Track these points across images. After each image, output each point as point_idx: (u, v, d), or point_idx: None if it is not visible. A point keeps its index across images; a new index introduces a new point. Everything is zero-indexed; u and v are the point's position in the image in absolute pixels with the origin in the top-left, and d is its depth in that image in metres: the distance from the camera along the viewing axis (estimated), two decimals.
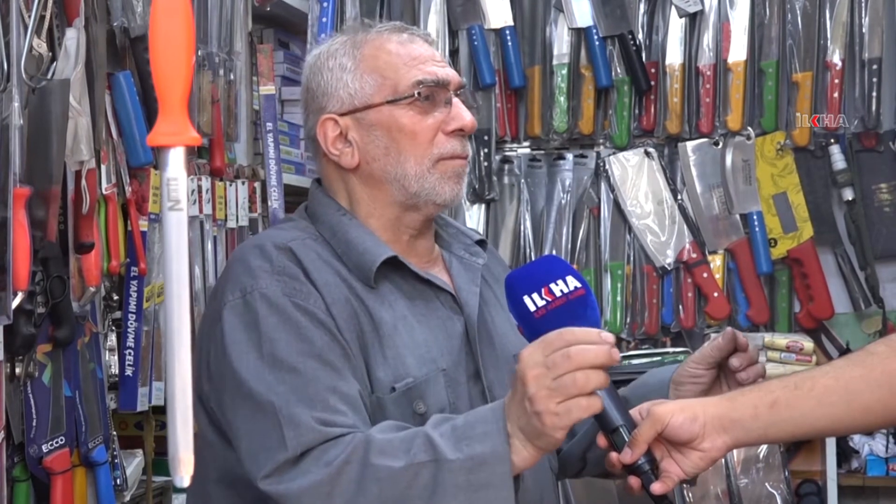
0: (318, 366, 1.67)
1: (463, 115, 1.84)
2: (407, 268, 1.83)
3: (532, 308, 1.69)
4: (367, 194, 1.86)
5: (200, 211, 3.03)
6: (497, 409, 1.60)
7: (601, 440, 1.69)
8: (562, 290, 1.70)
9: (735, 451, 3.52)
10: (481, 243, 1.99)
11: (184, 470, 1.03)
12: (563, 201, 3.92)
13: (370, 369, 1.74)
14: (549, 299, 1.69)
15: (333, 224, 1.84)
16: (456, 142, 1.84)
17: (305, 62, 1.93)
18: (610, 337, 1.57)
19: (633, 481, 1.65)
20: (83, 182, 2.32)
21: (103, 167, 2.47)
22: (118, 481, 2.60)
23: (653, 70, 3.92)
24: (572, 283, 1.70)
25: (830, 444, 3.67)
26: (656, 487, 1.63)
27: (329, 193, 1.89)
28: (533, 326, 1.70)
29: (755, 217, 3.90)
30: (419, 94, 1.82)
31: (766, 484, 3.55)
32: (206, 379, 1.77)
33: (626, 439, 1.64)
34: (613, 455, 1.65)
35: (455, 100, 1.86)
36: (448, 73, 1.86)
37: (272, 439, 1.65)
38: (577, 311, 1.69)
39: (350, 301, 1.76)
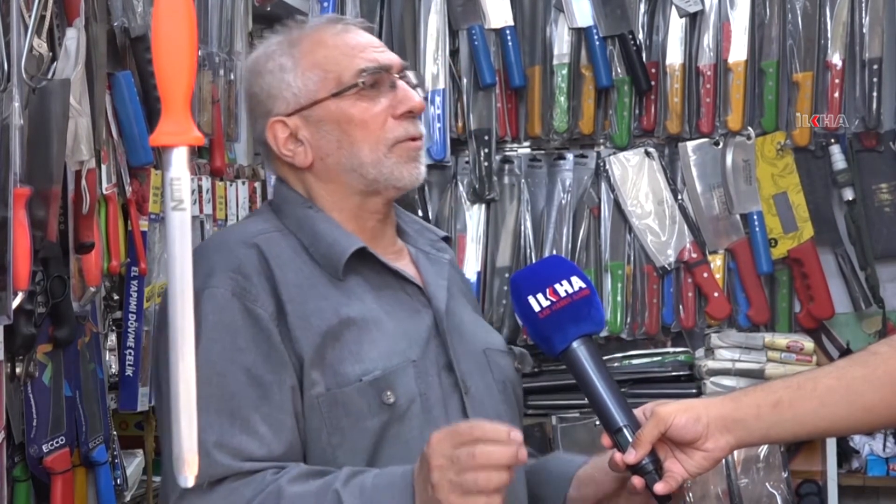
0: (246, 380, 1.67)
1: (411, 96, 1.83)
2: (374, 260, 1.82)
3: (537, 308, 1.69)
4: (326, 189, 1.84)
5: (201, 211, 3.03)
6: (406, 477, 1.60)
7: (605, 440, 1.69)
8: (566, 291, 1.69)
9: (735, 451, 3.51)
10: (446, 240, 1.99)
11: (188, 470, 1.03)
12: (564, 201, 3.92)
13: (336, 365, 1.73)
14: (554, 299, 1.69)
15: (300, 217, 1.83)
16: (408, 123, 1.83)
17: (244, 68, 1.92)
18: (518, 436, 1.56)
19: (637, 481, 1.65)
20: (83, 182, 2.31)
21: (103, 167, 2.46)
22: (118, 481, 2.60)
23: (653, 70, 3.92)
24: (577, 283, 1.70)
25: (831, 444, 3.67)
26: (659, 487, 1.63)
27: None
28: (537, 327, 1.70)
29: (755, 217, 3.90)
30: (363, 82, 1.81)
31: (767, 484, 3.55)
32: (157, 369, 1.80)
33: (630, 439, 1.65)
34: (617, 455, 1.65)
35: (400, 82, 1.84)
36: (389, 57, 1.85)
37: None
38: (582, 311, 1.69)
39: (312, 300, 1.75)
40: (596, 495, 1.84)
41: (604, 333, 3.89)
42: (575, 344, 1.68)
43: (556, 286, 1.69)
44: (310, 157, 1.83)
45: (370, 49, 1.85)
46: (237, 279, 1.72)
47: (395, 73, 1.84)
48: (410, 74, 1.88)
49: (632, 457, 1.64)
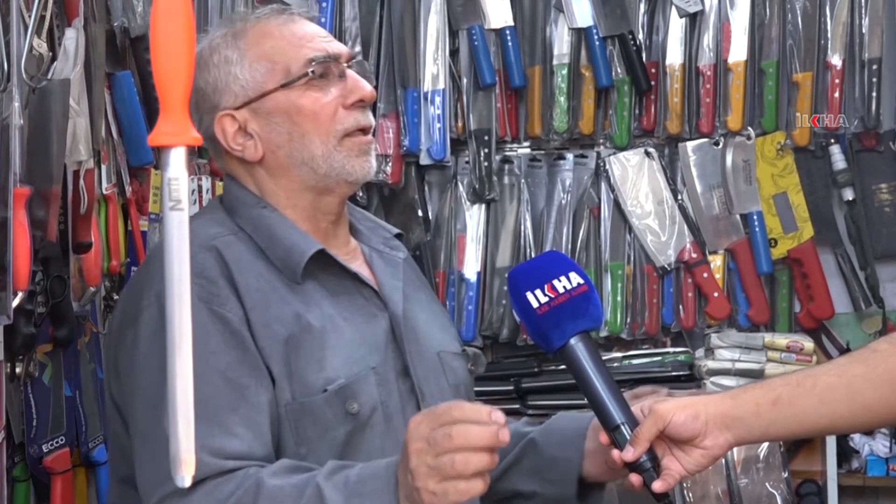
0: (221, 383, 1.63)
1: (361, 85, 1.80)
2: (331, 263, 1.78)
3: (535, 304, 1.68)
4: (277, 185, 1.81)
5: None
6: (390, 468, 1.56)
7: (603, 437, 1.68)
8: (564, 287, 1.69)
9: (735, 451, 3.52)
10: (399, 237, 1.97)
11: (185, 470, 1.03)
12: (564, 201, 3.92)
13: (300, 373, 1.69)
14: (552, 296, 1.68)
15: (254, 217, 1.79)
16: (358, 113, 1.80)
17: None
18: (500, 417, 1.49)
19: (635, 479, 1.64)
20: (81, 182, 2.32)
21: (103, 167, 2.47)
22: None
23: (653, 70, 3.91)
24: (575, 279, 1.69)
25: (831, 444, 3.67)
26: (657, 486, 1.63)
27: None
28: (536, 323, 1.69)
29: (755, 217, 3.90)
30: (313, 72, 1.78)
31: (767, 484, 3.55)
32: (115, 379, 1.75)
33: (628, 437, 1.64)
34: (615, 453, 1.65)
35: (349, 72, 1.81)
36: (337, 46, 1.82)
37: (162, 467, 1.60)
38: (580, 307, 1.68)
39: (273, 306, 1.71)
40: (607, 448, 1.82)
41: (604, 333, 3.89)
42: (573, 341, 1.68)
43: (555, 282, 1.68)
44: (260, 151, 1.79)
45: (318, 39, 1.81)
46: (202, 283, 1.66)
47: (343, 63, 1.81)
48: (361, 64, 1.86)
49: (629, 454, 1.63)
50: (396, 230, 1.98)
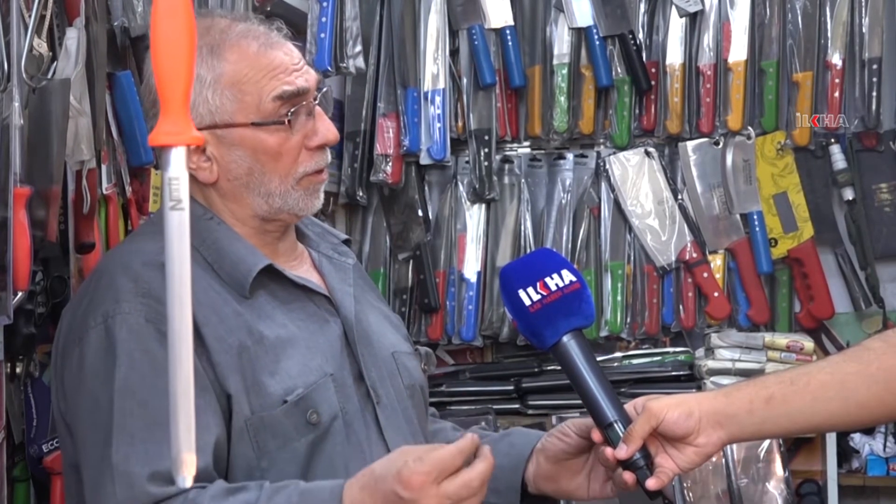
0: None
1: (326, 129, 1.80)
2: (280, 274, 1.79)
3: (527, 302, 1.68)
4: (227, 208, 1.81)
5: None
6: (335, 494, 1.58)
7: (595, 435, 1.69)
8: (557, 284, 1.69)
9: (735, 451, 3.52)
10: (347, 243, 1.97)
11: (186, 471, 1.03)
12: (564, 201, 3.92)
13: (258, 386, 1.69)
14: (545, 293, 1.68)
15: (201, 230, 1.77)
16: (319, 156, 1.80)
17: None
18: (477, 440, 1.60)
19: (628, 477, 1.65)
20: (84, 182, 2.32)
21: (104, 167, 2.46)
22: None
23: (653, 70, 3.91)
24: (567, 276, 1.70)
25: (831, 444, 3.67)
26: (651, 483, 1.63)
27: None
28: (528, 321, 1.69)
29: (755, 217, 3.90)
30: (288, 121, 1.76)
31: (767, 484, 3.55)
32: (62, 398, 1.74)
33: (621, 434, 1.65)
34: (608, 450, 1.65)
35: (318, 110, 1.81)
36: (308, 79, 1.80)
37: (104, 494, 1.61)
38: (573, 305, 1.69)
39: (227, 319, 1.71)
40: (557, 453, 1.83)
41: (604, 333, 3.89)
42: (565, 338, 1.68)
43: (547, 280, 1.69)
44: (215, 175, 1.78)
45: (291, 68, 1.79)
46: (149, 303, 1.65)
47: (312, 98, 1.80)
48: (328, 95, 1.84)
49: (623, 452, 1.64)
50: (345, 236, 1.99)
